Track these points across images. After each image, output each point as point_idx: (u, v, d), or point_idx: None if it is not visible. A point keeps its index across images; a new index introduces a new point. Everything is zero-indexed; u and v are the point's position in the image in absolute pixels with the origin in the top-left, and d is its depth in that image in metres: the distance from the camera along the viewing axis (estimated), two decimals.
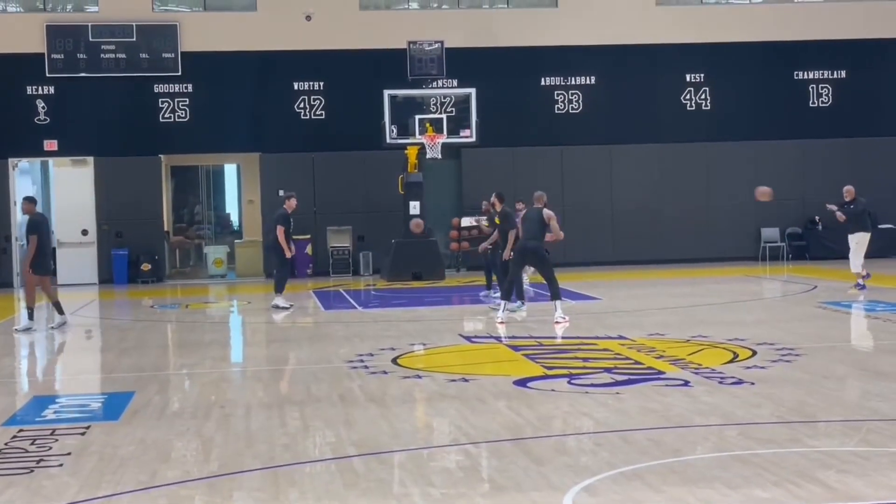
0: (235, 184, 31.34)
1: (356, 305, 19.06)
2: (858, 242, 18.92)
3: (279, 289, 18.33)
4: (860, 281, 18.68)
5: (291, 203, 18.59)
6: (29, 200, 16.62)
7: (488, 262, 18.62)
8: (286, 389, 10.70)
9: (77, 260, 25.16)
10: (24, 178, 26.09)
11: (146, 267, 24.95)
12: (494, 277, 18.40)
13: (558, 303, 15.19)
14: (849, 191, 19.42)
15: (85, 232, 25.34)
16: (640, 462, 7.32)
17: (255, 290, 23.16)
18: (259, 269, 25.75)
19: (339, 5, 25.81)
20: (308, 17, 25.57)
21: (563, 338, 13.79)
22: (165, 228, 26.71)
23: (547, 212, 15.31)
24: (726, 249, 26.27)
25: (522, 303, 16.73)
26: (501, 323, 15.09)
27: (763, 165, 26.58)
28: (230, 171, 31.53)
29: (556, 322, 14.84)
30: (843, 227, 19.18)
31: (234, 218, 31.70)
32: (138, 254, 25.01)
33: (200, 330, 16.65)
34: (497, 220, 17.17)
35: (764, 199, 18.34)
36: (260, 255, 25.85)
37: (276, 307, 18.15)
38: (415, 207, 23.46)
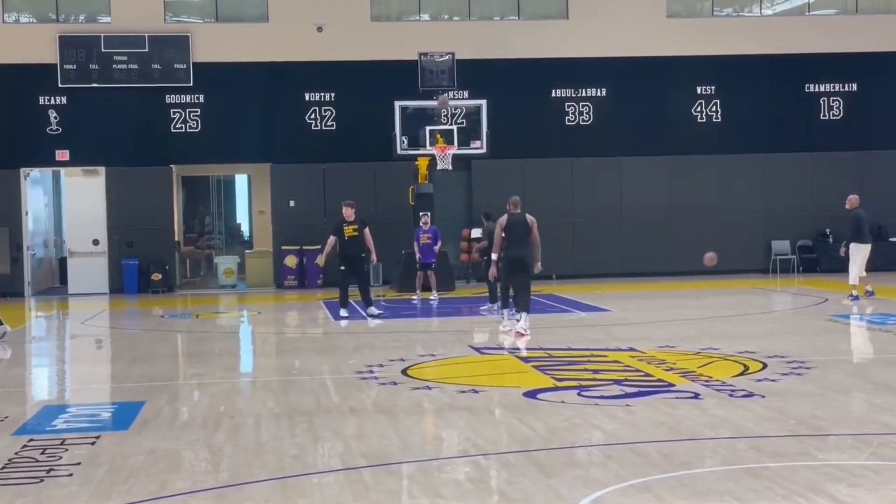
0: (246, 194, 31.43)
1: (365, 316, 19.05)
2: (855, 253, 18.94)
3: (368, 300, 18.15)
4: (853, 292, 18.69)
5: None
6: None
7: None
8: (296, 400, 10.70)
9: (88, 269, 25.20)
10: (35, 188, 26.18)
11: (157, 277, 24.99)
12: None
13: (525, 315, 15.03)
14: (850, 200, 19.44)
15: (96, 242, 25.41)
16: (649, 475, 7.30)
17: (265, 300, 23.19)
18: (269, 280, 25.79)
19: (350, 17, 25.88)
20: (319, 29, 25.65)
21: (570, 349, 13.76)
22: (176, 238, 26.76)
23: (530, 217, 15.20)
24: (737, 262, 26.18)
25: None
26: (516, 332, 15.06)
27: (773, 178, 26.57)
28: (241, 181, 31.61)
29: (518, 333, 14.76)
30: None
31: (245, 228, 31.78)
32: (149, 263, 25.05)
33: (210, 340, 16.68)
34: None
35: (710, 263, 18.02)
36: (270, 266, 25.88)
37: (373, 316, 18.02)
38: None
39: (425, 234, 21.23)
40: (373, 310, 18.12)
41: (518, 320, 15.09)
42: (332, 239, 18.07)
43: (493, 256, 15.57)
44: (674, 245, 26.26)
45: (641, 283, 24.30)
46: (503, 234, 15.07)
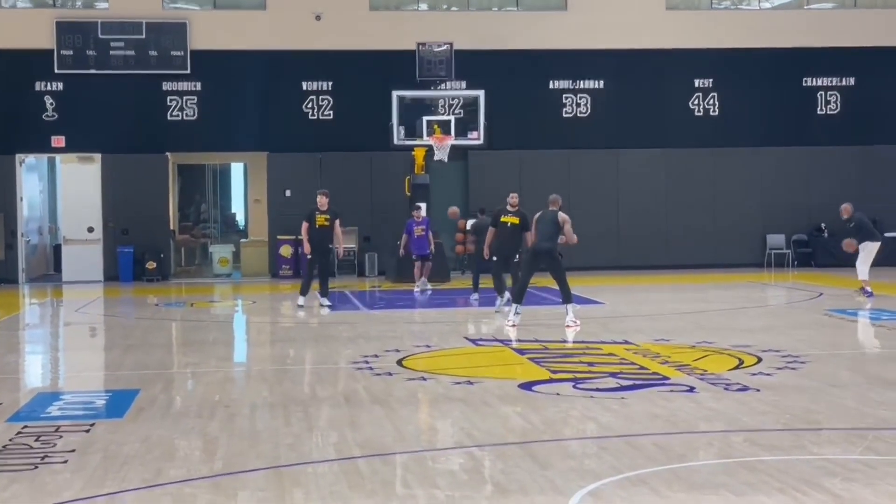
0: (242, 183, 31.38)
1: (361, 306, 19.07)
2: (867, 251, 19.00)
3: (325, 291, 18.23)
4: (867, 288, 18.71)
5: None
6: None
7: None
8: (291, 389, 10.70)
9: (82, 257, 25.13)
10: (30, 174, 26.11)
11: (151, 265, 24.95)
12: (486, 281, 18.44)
13: (570, 306, 15.14)
14: (845, 209, 19.44)
15: (91, 229, 25.34)
16: (645, 467, 7.30)
17: (260, 289, 23.16)
18: (264, 269, 25.75)
19: (348, 6, 25.81)
20: (318, 17, 25.59)
21: (565, 342, 13.76)
22: (171, 227, 26.70)
23: (562, 215, 15.34)
24: (732, 255, 26.25)
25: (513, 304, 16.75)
26: (513, 326, 15.03)
27: (770, 172, 26.56)
28: (237, 169, 31.57)
29: (567, 326, 14.81)
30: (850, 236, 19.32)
31: (240, 217, 31.74)
32: (144, 251, 25.01)
33: (205, 329, 16.66)
34: (517, 220, 17.03)
35: (849, 249, 19.22)
36: (266, 255, 25.85)
37: (323, 305, 18.08)
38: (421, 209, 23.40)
39: (419, 225, 21.19)
40: (325, 300, 18.10)
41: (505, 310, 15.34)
42: (305, 225, 18.11)
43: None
44: (669, 238, 26.27)
45: (636, 276, 24.29)
46: (535, 227, 15.35)
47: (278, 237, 25.42)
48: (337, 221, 18.07)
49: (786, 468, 7.19)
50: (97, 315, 19.12)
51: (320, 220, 17.97)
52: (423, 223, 21.26)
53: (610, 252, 26.07)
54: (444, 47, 24.29)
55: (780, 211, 26.54)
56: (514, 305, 15.41)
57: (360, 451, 7.95)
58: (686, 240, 26.23)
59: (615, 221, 26.26)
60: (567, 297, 15.20)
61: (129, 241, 25.13)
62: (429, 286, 21.20)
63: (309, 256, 18.28)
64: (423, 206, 22.14)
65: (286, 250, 25.20)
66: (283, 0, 25.76)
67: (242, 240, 27.80)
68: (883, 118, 26.93)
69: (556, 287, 15.53)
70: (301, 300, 18.14)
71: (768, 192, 26.56)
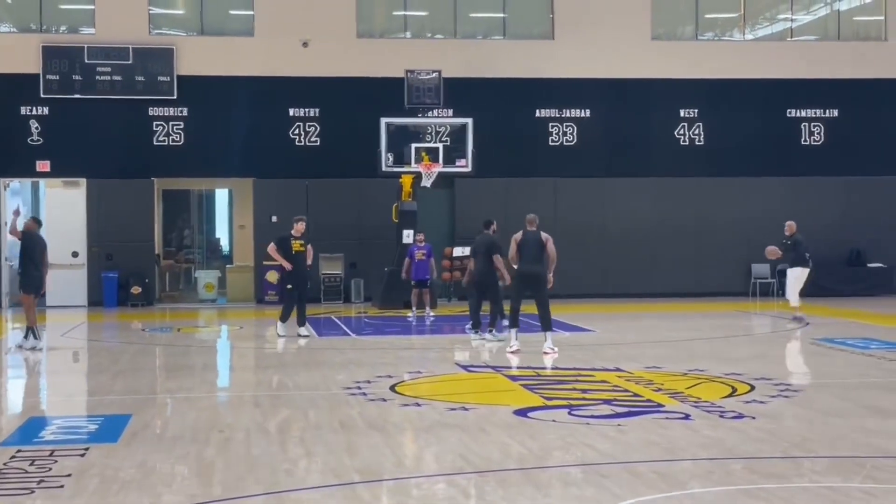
0: (226, 208, 31.30)
1: (349, 332, 19.01)
2: (796, 277, 19.39)
3: (303, 320, 17.94)
4: (797, 314, 19.08)
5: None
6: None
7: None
8: (285, 415, 10.63)
9: (66, 282, 24.97)
10: (15, 199, 25.96)
11: (136, 290, 24.85)
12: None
13: (549, 333, 15.11)
14: (789, 226, 19.86)
15: (75, 254, 25.23)
16: (647, 494, 7.28)
17: (246, 315, 23.07)
18: (250, 295, 25.67)
19: (336, 33, 25.88)
20: (305, 44, 25.64)
21: (557, 368, 13.75)
22: (156, 252, 26.60)
23: (545, 234, 15.36)
24: (717, 284, 26.33)
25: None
26: (514, 352, 15.03)
27: (755, 202, 26.70)
28: (221, 195, 31.49)
29: (545, 353, 14.81)
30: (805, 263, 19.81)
31: (225, 243, 31.63)
32: (128, 277, 24.90)
33: (194, 354, 16.56)
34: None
35: (773, 256, 20.18)
36: (251, 281, 25.78)
37: (302, 335, 17.78)
38: (408, 236, 23.41)
39: (420, 250, 21.18)
40: (304, 330, 17.77)
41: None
42: (272, 246, 17.83)
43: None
44: (655, 266, 26.35)
45: (623, 304, 24.34)
46: (518, 250, 15.14)
47: (264, 263, 25.30)
48: (309, 246, 17.97)
49: (788, 496, 7.18)
50: (82, 340, 18.98)
51: (296, 245, 17.75)
52: (425, 248, 21.21)
53: (596, 280, 26.12)
54: (433, 75, 24.37)
55: (765, 240, 26.48)
56: (513, 331, 15.35)
57: (359, 476, 7.89)
58: (671, 268, 26.32)
59: (601, 250, 26.32)
60: (548, 323, 15.12)
61: (113, 266, 25.03)
62: (432, 314, 21.11)
63: (289, 286, 17.99)
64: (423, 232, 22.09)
65: (272, 276, 25.11)
66: (270, 27, 25.81)
67: (228, 265, 27.71)
68: (866, 149, 27.15)
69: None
70: (280, 328, 17.91)
71: (753, 222, 26.66)
